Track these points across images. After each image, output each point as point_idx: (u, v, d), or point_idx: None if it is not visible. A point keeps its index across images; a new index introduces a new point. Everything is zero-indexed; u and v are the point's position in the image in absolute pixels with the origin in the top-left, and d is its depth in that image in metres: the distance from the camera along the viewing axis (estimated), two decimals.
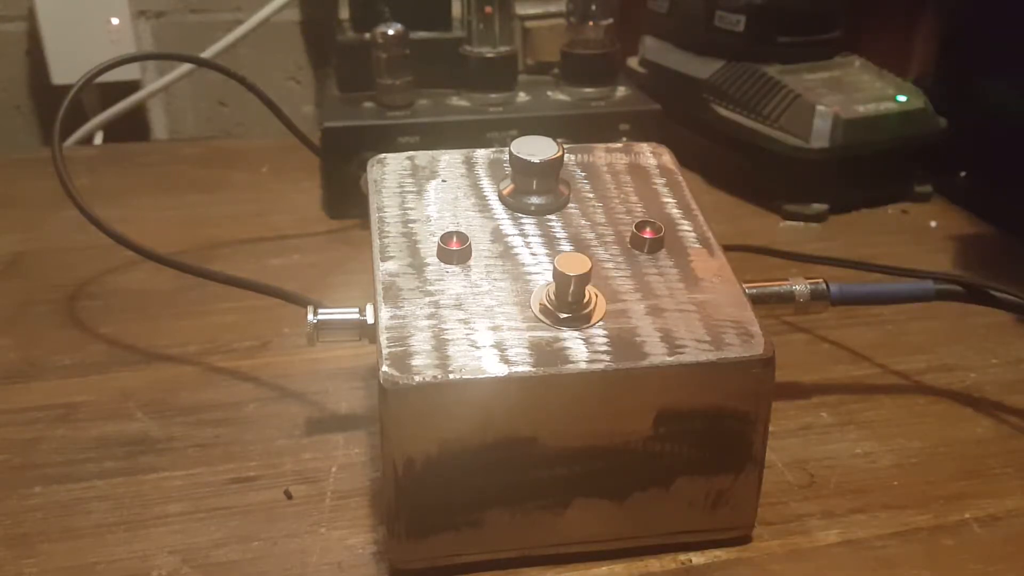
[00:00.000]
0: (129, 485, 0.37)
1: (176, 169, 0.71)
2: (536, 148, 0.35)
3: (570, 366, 0.30)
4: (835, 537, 0.34)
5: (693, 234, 0.36)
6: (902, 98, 0.63)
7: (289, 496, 0.36)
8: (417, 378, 0.29)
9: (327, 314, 0.36)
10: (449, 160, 0.39)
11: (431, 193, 0.37)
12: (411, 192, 0.37)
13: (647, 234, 0.34)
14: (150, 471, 0.38)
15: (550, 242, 0.34)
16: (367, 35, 0.61)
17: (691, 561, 0.33)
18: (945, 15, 0.69)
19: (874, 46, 0.69)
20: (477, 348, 0.30)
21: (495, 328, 0.31)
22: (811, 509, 0.36)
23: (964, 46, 0.67)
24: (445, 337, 0.30)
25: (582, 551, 0.33)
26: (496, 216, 0.36)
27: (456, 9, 0.68)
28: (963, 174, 0.66)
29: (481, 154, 0.39)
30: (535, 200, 0.36)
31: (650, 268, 0.34)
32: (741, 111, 0.64)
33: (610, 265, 0.34)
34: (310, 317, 0.35)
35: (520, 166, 0.35)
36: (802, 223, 0.62)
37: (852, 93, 0.63)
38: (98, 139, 0.81)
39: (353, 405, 0.42)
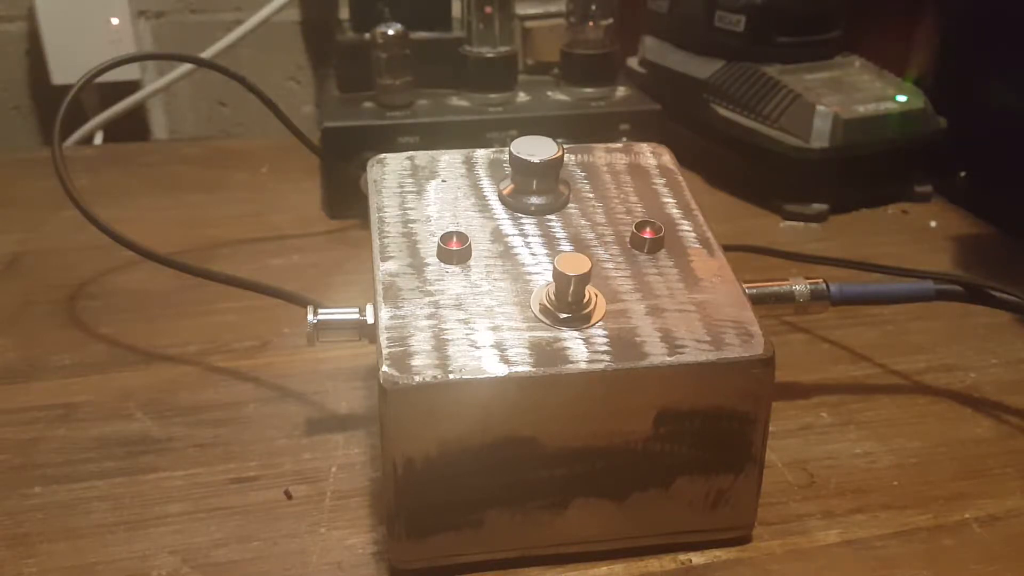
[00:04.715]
0: (129, 485, 0.37)
1: (176, 169, 0.71)
2: (536, 148, 0.35)
3: (570, 366, 0.30)
4: (835, 537, 0.34)
5: (693, 234, 0.36)
6: (902, 98, 0.63)
7: (289, 496, 0.36)
8: (417, 378, 0.29)
9: (327, 314, 0.36)
10: (449, 160, 0.39)
11: (431, 193, 0.37)
12: (411, 192, 0.37)
13: (647, 234, 0.34)
14: (150, 471, 0.38)
15: (550, 242, 0.34)
16: (367, 35, 0.61)
17: (691, 561, 0.33)
18: (945, 15, 0.69)
19: (874, 46, 0.69)
20: (477, 348, 0.30)
21: (495, 328, 0.31)
22: (811, 509, 0.36)
23: (964, 46, 0.67)
24: (445, 337, 0.30)
25: (582, 551, 0.33)
26: (496, 216, 0.36)
27: (456, 9, 0.68)
28: (963, 174, 0.66)
29: (481, 154, 0.39)
30: (535, 200, 0.36)
31: (650, 268, 0.34)
32: (741, 111, 0.64)
33: (610, 265, 0.34)
34: (310, 317, 0.35)
35: (520, 166, 0.35)
36: (802, 223, 0.62)
37: (852, 93, 0.63)
38: (98, 139, 0.81)
39: (353, 405, 0.42)
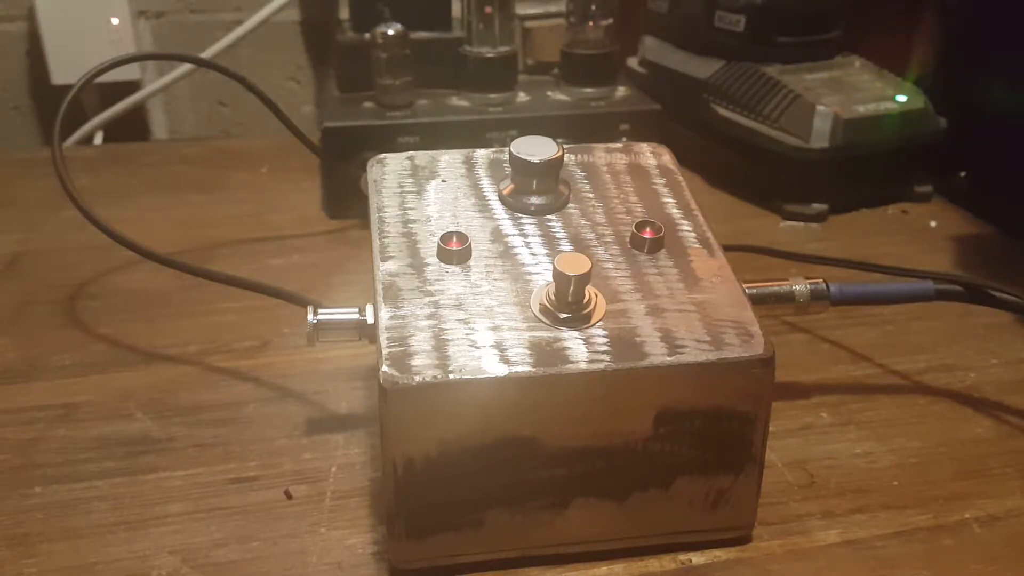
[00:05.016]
0: (129, 485, 0.37)
1: (176, 169, 0.71)
2: (536, 148, 0.35)
3: (570, 366, 0.30)
4: (835, 537, 0.34)
5: (693, 234, 0.36)
6: (902, 98, 0.63)
7: (289, 496, 0.36)
8: (417, 378, 0.29)
9: (327, 314, 0.36)
10: (449, 160, 0.39)
11: (431, 193, 0.37)
12: (411, 192, 0.37)
13: (647, 234, 0.34)
14: (150, 471, 0.38)
15: (550, 242, 0.34)
16: (367, 35, 0.61)
17: (691, 561, 0.33)
18: (945, 15, 0.69)
19: (874, 46, 0.69)
20: (477, 348, 0.30)
21: (495, 328, 0.31)
22: (811, 509, 0.36)
23: (964, 46, 0.67)
24: (445, 337, 0.30)
25: (582, 551, 0.33)
26: (496, 216, 0.36)
27: (456, 9, 0.68)
28: (963, 174, 0.66)
29: (481, 154, 0.39)
30: (535, 200, 0.36)
31: (650, 268, 0.34)
32: (741, 111, 0.64)
33: (610, 265, 0.34)
34: (310, 317, 0.35)
35: (520, 166, 0.35)
36: (802, 223, 0.62)
37: (852, 93, 0.63)
38: (98, 139, 0.81)
39: (353, 405, 0.42)
